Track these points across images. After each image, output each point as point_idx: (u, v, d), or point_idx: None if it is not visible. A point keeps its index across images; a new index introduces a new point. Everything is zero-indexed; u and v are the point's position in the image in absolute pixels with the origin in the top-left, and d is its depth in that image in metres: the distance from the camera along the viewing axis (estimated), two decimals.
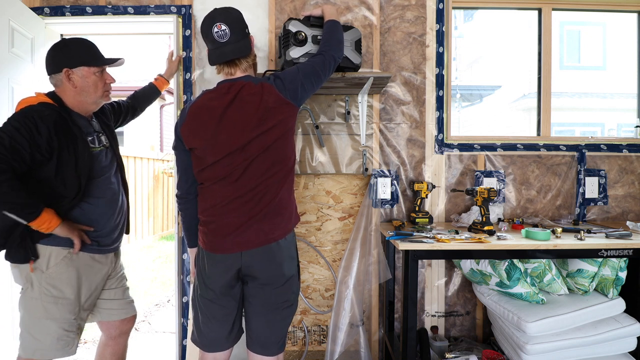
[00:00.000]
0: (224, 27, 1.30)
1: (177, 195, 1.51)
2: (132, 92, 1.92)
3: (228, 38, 1.31)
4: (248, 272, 1.34)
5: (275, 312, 1.36)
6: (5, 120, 1.30)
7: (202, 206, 1.40)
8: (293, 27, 1.72)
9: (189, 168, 1.43)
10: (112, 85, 1.56)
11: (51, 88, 1.48)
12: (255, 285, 1.35)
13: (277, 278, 1.34)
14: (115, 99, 1.82)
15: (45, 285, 1.39)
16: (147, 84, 1.98)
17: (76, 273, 1.44)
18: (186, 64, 2.17)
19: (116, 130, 1.74)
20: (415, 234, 1.74)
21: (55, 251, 1.40)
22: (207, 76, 2.18)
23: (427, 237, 1.67)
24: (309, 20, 1.75)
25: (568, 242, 1.64)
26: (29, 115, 1.30)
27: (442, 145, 2.22)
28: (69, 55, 1.42)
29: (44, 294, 1.38)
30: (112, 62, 1.50)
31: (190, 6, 2.16)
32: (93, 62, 1.45)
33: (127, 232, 1.67)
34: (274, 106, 1.30)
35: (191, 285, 2.16)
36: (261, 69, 2.14)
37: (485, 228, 1.76)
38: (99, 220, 1.48)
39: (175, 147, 1.45)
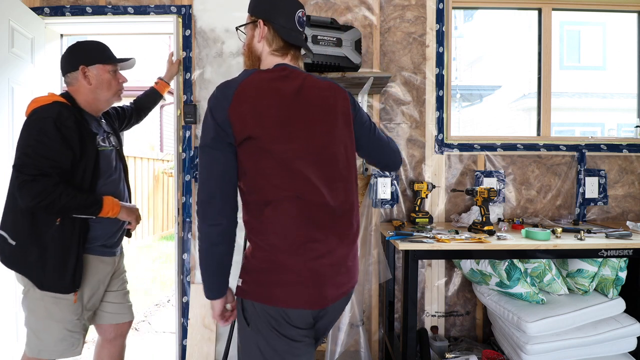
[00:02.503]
0: (305, 19, 1.19)
1: (207, 222, 1.00)
2: (135, 98, 1.93)
3: (303, 30, 1.18)
4: (318, 326, 1.07)
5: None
6: (29, 125, 1.31)
7: (265, 241, 0.99)
8: None
9: (228, 172, 1.00)
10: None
11: (54, 91, 1.48)
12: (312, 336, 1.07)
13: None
14: (120, 104, 1.83)
15: None
16: (148, 89, 1.98)
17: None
18: (186, 64, 2.17)
19: None
20: (415, 234, 1.74)
21: None
22: (207, 76, 2.18)
23: (427, 237, 1.67)
24: (309, 20, 1.75)
25: (568, 242, 1.64)
26: (52, 119, 1.31)
27: (442, 145, 2.22)
28: (85, 54, 1.48)
29: (45, 295, 1.36)
30: (124, 61, 1.57)
31: (190, 6, 2.16)
32: (107, 60, 1.51)
33: (129, 236, 1.65)
34: (346, 113, 1.11)
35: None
36: None
37: (485, 228, 1.76)
38: (107, 221, 1.47)
39: (212, 140, 0.99)
